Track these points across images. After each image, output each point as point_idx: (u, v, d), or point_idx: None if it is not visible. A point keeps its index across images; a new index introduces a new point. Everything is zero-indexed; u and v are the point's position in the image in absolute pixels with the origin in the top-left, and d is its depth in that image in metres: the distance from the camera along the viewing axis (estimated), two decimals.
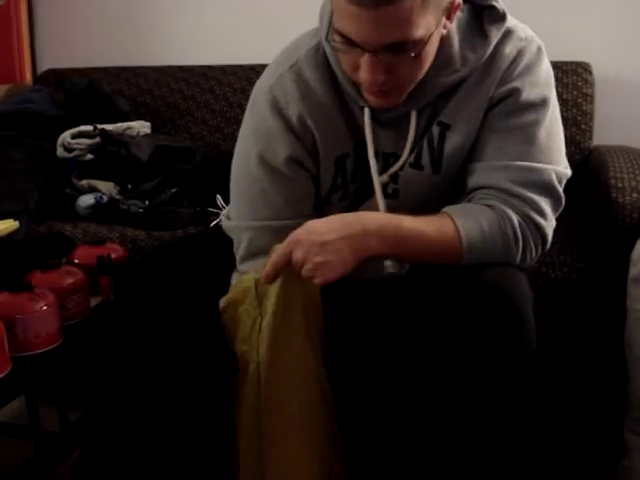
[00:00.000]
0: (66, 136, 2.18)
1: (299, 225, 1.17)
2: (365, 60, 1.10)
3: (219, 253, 1.36)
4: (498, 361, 1.11)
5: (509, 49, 1.23)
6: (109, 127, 2.21)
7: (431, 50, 1.14)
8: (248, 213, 1.31)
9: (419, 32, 1.07)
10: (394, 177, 1.29)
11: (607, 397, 1.58)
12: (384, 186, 1.29)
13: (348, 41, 1.09)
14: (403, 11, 1.03)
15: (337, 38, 1.11)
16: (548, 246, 1.24)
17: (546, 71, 1.26)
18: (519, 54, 1.23)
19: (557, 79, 2.18)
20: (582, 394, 1.64)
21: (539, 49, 1.25)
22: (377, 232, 1.14)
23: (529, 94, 1.22)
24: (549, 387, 1.59)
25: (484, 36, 1.22)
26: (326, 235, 1.12)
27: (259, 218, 1.29)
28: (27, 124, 2.29)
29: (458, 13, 1.19)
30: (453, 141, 1.25)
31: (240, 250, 1.31)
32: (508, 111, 1.23)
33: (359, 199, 1.33)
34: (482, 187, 1.23)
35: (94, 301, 1.54)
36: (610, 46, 2.35)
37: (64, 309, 1.42)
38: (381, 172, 1.28)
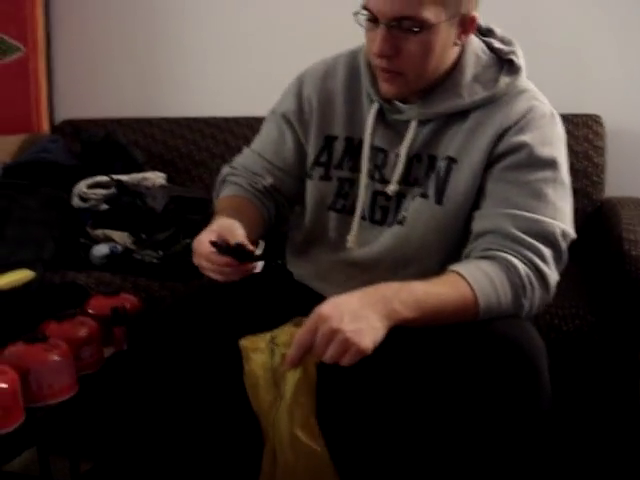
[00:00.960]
0: (82, 186, 2.20)
1: (270, 168, 1.46)
2: (379, 33, 1.23)
3: (233, 304, 1.36)
4: (514, 415, 1.11)
5: (521, 102, 1.30)
6: (125, 178, 2.24)
7: (437, 44, 1.24)
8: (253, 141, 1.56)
9: (427, 14, 1.20)
10: (399, 202, 1.36)
11: (620, 452, 1.56)
12: (395, 213, 1.37)
13: (370, 15, 1.24)
14: None
15: (363, 16, 1.26)
16: (551, 296, 1.25)
17: (558, 135, 1.31)
18: (530, 110, 1.29)
19: (568, 132, 2.20)
20: (595, 448, 1.62)
21: (552, 113, 1.32)
22: (396, 295, 1.14)
23: (540, 152, 1.26)
24: (562, 442, 1.58)
25: (496, 80, 1.32)
26: (352, 304, 1.11)
27: (253, 147, 1.55)
28: (43, 173, 2.31)
29: (480, 54, 1.31)
30: (458, 175, 1.30)
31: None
32: (518, 165, 1.27)
33: (344, 193, 1.42)
34: (487, 232, 1.26)
35: (107, 352, 1.53)
36: (621, 98, 2.37)
37: (78, 360, 1.41)
38: (371, 169, 1.38)
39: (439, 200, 1.32)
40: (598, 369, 1.58)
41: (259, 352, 1.20)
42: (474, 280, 1.18)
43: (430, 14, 1.21)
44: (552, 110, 1.33)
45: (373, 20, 1.25)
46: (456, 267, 1.23)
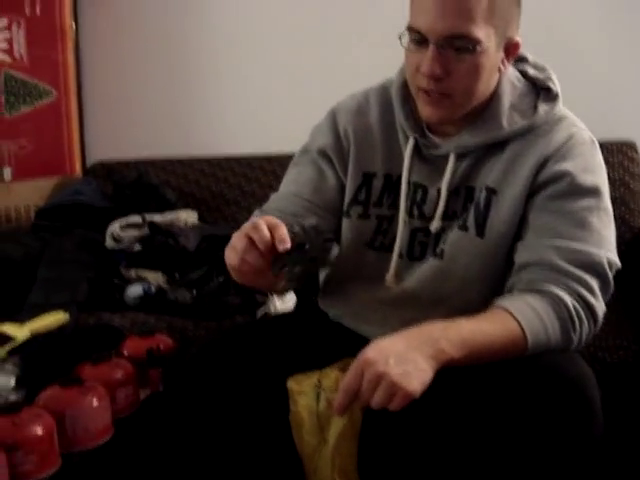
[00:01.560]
0: (115, 227, 2.21)
1: (310, 207, 1.36)
2: (428, 53, 1.20)
3: (268, 345, 1.34)
4: (570, 449, 1.09)
5: (561, 130, 1.28)
6: (157, 218, 2.24)
7: (485, 67, 1.22)
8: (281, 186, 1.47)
9: (479, 32, 1.18)
10: (438, 236, 1.32)
11: None
12: (434, 248, 1.33)
13: (417, 36, 1.22)
14: (468, 6, 1.18)
15: (408, 37, 1.24)
16: (598, 327, 1.22)
17: (599, 163, 1.29)
18: (571, 137, 1.27)
19: (603, 159, 2.18)
20: None
21: (592, 140, 1.30)
22: (442, 335, 1.11)
23: (583, 180, 1.24)
24: (611, 473, 1.53)
25: (534, 108, 1.29)
26: (397, 347, 1.08)
27: (284, 190, 1.44)
28: (77, 215, 2.33)
29: (516, 83, 1.30)
30: (498, 206, 1.28)
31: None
32: (560, 194, 1.24)
33: (383, 230, 1.37)
34: (532, 264, 1.22)
35: (143, 393, 1.52)
36: None
37: (113, 402, 1.40)
38: (409, 206, 1.35)
39: (480, 232, 1.29)
40: None
41: (304, 395, 1.19)
42: (522, 316, 1.15)
43: (482, 34, 1.19)
44: (592, 137, 1.30)
45: (421, 41, 1.22)
46: (502, 302, 1.20)
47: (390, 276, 1.36)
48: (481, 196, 1.29)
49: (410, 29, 1.23)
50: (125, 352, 1.59)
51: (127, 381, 1.45)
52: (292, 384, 1.20)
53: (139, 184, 2.44)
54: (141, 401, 1.50)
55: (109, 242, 2.21)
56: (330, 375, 1.18)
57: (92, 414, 1.32)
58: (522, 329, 1.14)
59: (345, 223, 1.40)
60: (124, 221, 2.22)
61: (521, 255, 1.25)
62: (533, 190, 1.26)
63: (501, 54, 1.26)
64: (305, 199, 1.40)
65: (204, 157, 2.66)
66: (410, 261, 1.36)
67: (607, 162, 2.11)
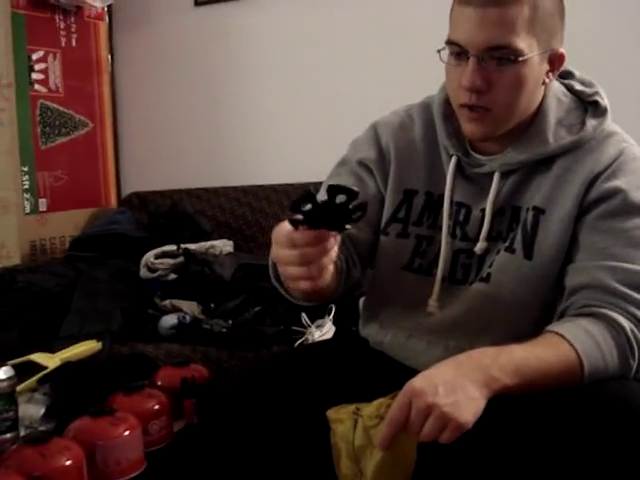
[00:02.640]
0: (149, 256, 2.19)
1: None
2: (469, 66, 1.17)
3: (307, 374, 1.29)
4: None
5: (611, 146, 1.23)
6: (192, 246, 2.22)
7: (528, 79, 1.18)
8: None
9: (521, 43, 1.15)
10: (482, 258, 1.27)
11: None
12: (477, 271, 1.28)
13: (457, 49, 1.19)
14: (508, 16, 1.14)
15: (448, 51, 1.21)
16: None
17: None
18: (621, 153, 1.22)
19: None
20: None
21: None
22: (493, 361, 1.05)
23: (636, 197, 1.19)
24: None
25: (582, 124, 1.25)
26: (446, 375, 1.03)
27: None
28: (112, 245, 2.33)
29: (562, 98, 1.26)
30: (547, 226, 1.22)
31: None
32: (612, 212, 1.19)
33: (422, 251, 1.32)
34: (586, 287, 1.17)
35: (177, 425, 1.48)
36: None
37: (146, 434, 1.37)
38: (452, 226, 1.30)
39: (528, 255, 1.23)
40: None
41: (341, 423, 1.13)
42: (577, 341, 1.09)
43: (524, 44, 1.15)
44: None
45: (460, 54, 1.19)
46: (555, 327, 1.13)
47: (433, 301, 1.31)
48: (528, 216, 1.24)
49: (449, 42, 1.20)
50: (159, 382, 1.57)
51: (160, 412, 1.42)
52: (331, 413, 1.15)
53: (173, 213, 2.44)
54: (175, 433, 1.47)
55: (143, 272, 2.19)
56: (372, 403, 1.12)
57: (123, 446, 1.29)
58: (578, 355, 1.08)
59: (383, 242, 1.35)
60: (159, 250, 2.20)
61: (573, 278, 1.20)
62: (583, 209, 1.21)
63: (545, 66, 1.22)
64: None
65: (239, 186, 2.65)
66: (453, 285, 1.30)
67: None
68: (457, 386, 1.00)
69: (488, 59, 1.16)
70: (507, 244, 1.25)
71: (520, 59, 1.15)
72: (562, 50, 1.23)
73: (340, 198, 0.95)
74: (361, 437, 1.10)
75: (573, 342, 1.09)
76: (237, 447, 1.20)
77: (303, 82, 2.69)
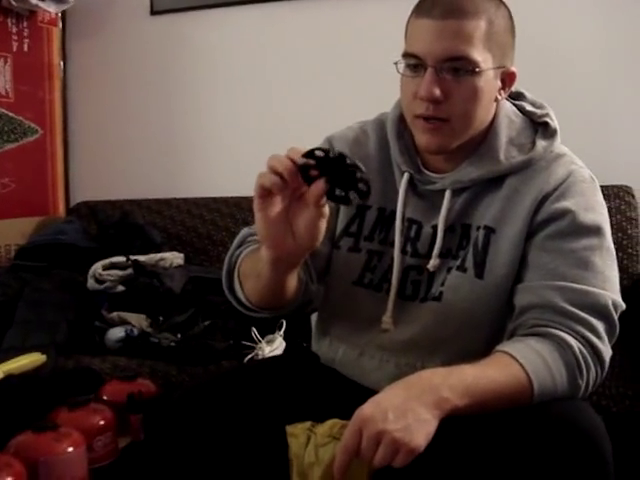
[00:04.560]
0: (97, 267, 2.15)
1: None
2: (426, 76, 1.18)
3: (257, 391, 1.27)
4: None
5: (560, 167, 1.25)
6: (141, 258, 2.19)
7: (484, 91, 1.20)
8: None
9: (478, 55, 1.17)
10: (442, 282, 1.26)
11: None
12: (427, 287, 1.29)
13: (414, 60, 1.20)
14: (466, 29, 1.17)
15: (404, 63, 1.22)
16: (605, 373, 1.17)
17: (600, 201, 1.26)
18: (570, 174, 1.24)
19: None
20: None
21: (592, 178, 1.27)
22: (444, 382, 1.04)
23: (584, 218, 1.20)
24: None
25: (532, 144, 1.27)
26: (394, 400, 1.02)
27: None
28: (59, 255, 2.29)
29: (513, 118, 1.28)
30: (498, 246, 1.23)
31: None
32: (561, 233, 1.20)
33: (372, 266, 1.32)
34: (535, 307, 1.18)
35: (123, 442, 1.45)
36: None
37: (91, 450, 1.34)
38: (403, 242, 1.30)
39: (479, 274, 1.24)
40: None
41: (295, 438, 1.13)
42: (527, 361, 1.10)
43: (480, 57, 1.18)
44: (591, 175, 1.27)
45: (418, 65, 1.20)
46: (505, 347, 1.14)
47: (387, 317, 1.31)
48: (479, 235, 1.25)
49: (406, 55, 1.22)
50: (104, 397, 1.54)
51: (106, 428, 1.39)
52: (289, 428, 1.15)
53: (124, 224, 2.41)
54: (120, 449, 1.44)
55: (91, 283, 2.15)
56: (329, 422, 1.12)
57: (67, 462, 1.26)
58: (528, 375, 1.08)
59: (334, 255, 1.35)
60: (107, 261, 2.17)
61: (522, 297, 1.21)
62: (532, 229, 1.22)
63: (498, 83, 1.24)
64: None
65: (191, 198, 2.63)
66: (402, 301, 1.31)
67: None
68: (407, 410, 1.00)
69: (445, 70, 1.18)
70: (459, 263, 1.26)
71: (477, 70, 1.17)
72: (513, 69, 1.25)
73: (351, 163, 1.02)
74: (311, 454, 1.10)
75: (523, 362, 1.09)
76: (184, 464, 1.18)
77: (257, 95, 2.69)
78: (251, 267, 1.22)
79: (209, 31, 2.73)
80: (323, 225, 1.08)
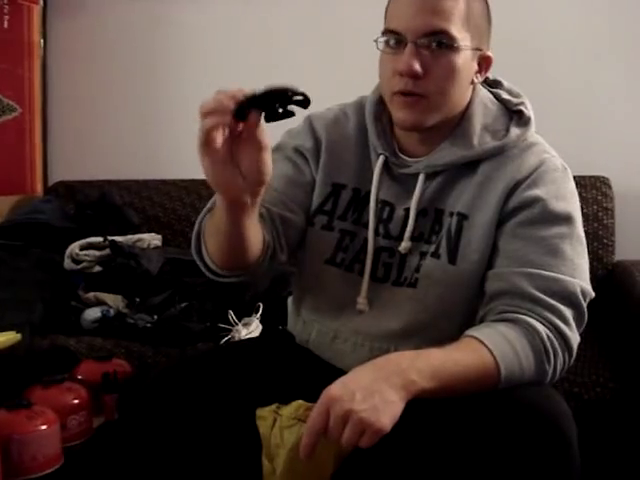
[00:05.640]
0: (74, 247, 2.14)
1: (282, 200, 1.31)
2: (406, 51, 1.19)
3: (231, 372, 1.28)
4: None
5: (532, 156, 1.26)
6: (119, 239, 2.18)
7: (462, 69, 1.21)
8: None
9: (456, 32, 1.19)
10: (417, 268, 1.28)
11: None
12: (399, 270, 1.30)
13: (394, 37, 1.21)
14: (446, 6, 1.19)
15: (384, 39, 1.23)
16: (573, 359, 1.18)
17: (571, 190, 1.27)
18: (542, 163, 1.25)
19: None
20: None
21: (564, 167, 1.27)
22: (411, 365, 1.05)
23: (555, 207, 1.21)
24: None
25: (506, 131, 1.27)
26: (362, 381, 1.02)
27: None
28: (35, 234, 2.26)
29: (489, 104, 1.29)
30: (470, 232, 1.24)
31: None
32: (532, 220, 1.21)
33: (345, 246, 1.33)
34: (504, 293, 1.19)
35: (97, 421, 1.45)
36: (627, 160, 2.36)
37: (64, 429, 1.34)
38: (376, 223, 1.31)
39: (452, 260, 1.25)
40: (622, 439, 1.49)
41: (263, 420, 1.14)
42: (494, 346, 1.11)
43: (459, 35, 1.20)
44: (564, 164, 1.28)
45: (398, 41, 1.21)
46: (473, 332, 1.15)
47: (362, 298, 1.31)
48: (452, 222, 1.26)
49: (386, 32, 1.23)
50: (79, 376, 1.53)
51: (80, 407, 1.39)
52: (258, 410, 1.15)
53: (102, 204, 2.39)
54: (94, 429, 1.43)
55: (67, 263, 2.14)
56: (292, 404, 1.13)
57: (40, 440, 1.26)
58: (495, 360, 1.09)
59: (309, 233, 1.36)
60: (84, 241, 2.15)
61: (492, 284, 1.22)
62: (504, 216, 1.23)
63: (475, 65, 1.25)
64: (279, 192, 1.34)
65: (170, 179, 2.61)
66: (374, 282, 1.31)
67: (581, 197, 2.09)
68: (374, 391, 1.00)
69: (425, 46, 1.19)
70: (433, 249, 1.27)
71: (455, 45, 1.19)
72: (490, 53, 1.27)
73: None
74: (277, 436, 1.11)
75: (491, 347, 1.10)
76: (158, 444, 1.18)
77: (238, 77, 2.65)
78: (212, 223, 1.22)
79: (191, 12, 2.70)
80: (267, 157, 1.09)
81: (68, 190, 2.61)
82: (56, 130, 2.86)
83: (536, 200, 1.21)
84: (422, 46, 1.19)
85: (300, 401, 1.13)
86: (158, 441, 1.18)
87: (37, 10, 2.76)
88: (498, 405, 1.07)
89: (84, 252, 2.13)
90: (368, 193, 1.33)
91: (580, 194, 2.10)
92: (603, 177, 2.24)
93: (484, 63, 1.27)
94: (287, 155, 1.38)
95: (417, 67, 1.19)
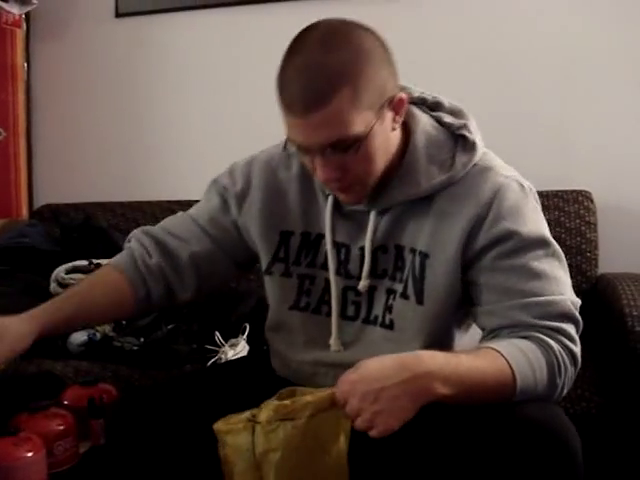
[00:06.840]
0: (60, 271, 2.13)
1: (201, 235, 1.41)
2: (317, 161, 1.16)
3: (218, 393, 1.29)
4: None
5: (487, 184, 1.23)
6: (105, 262, 2.16)
7: (378, 143, 1.17)
8: None
9: (356, 129, 1.12)
10: (389, 307, 1.28)
11: None
12: (368, 307, 1.30)
13: (299, 146, 1.18)
14: (333, 113, 1.10)
15: (292, 145, 1.22)
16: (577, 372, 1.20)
17: (533, 208, 1.25)
18: (498, 190, 1.22)
19: (559, 208, 2.18)
20: None
21: (521, 186, 1.25)
22: (439, 371, 1.06)
23: (527, 234, 1.21)
24: None
25: (452, 159, 1.24)
26: (381, 381, 1.04)
27: (189, 211, 1.51)
28: (21, 259, 2.25)
29: (432, 132, 1.25)
30: (433, 270, 1.23)
31: None
32: (508, 253, 1.21)
33: (306, 290, 1.35)
34: (504, 327, 1.20)
35: (83, 446, 1.44)
36: (609, 174, 2.37)
37: (51, 455, 1.32)
38: (337, 264, 1.31)
39: (420, 300, 1.25)
40: (608, 453, 1.50)
41: (235, 434, 1.12)
42: (511, 357, 1.11)
43: (360, 127, 1.13)
44: (520, 182, 1.25)
45: (307, 150, 1.18)
46: (490, 344, 1.16)
47: (334, 339, 1.32)
48: (415, 261, 1.25)
49: (291, 140, 1.20)
50: (65, 401, 1.51)
51: (66, 433, 1.37)
52: (220, 426, 1.13)
53: (87, 227, 2.39)
54: (81, 454, 1.42)
55: (53, 287, 2.12)
56: (267, 406, 1.11)
57: (26, 467, 1.23)
58: (512, 370, 1.10)
59: (268, 282, 1.38)
60: (70, 265, 2.14)
61: (488, 320, 1.22)
62: (473, 254, 1.22)
63: (388, 116, 1.18)
64: (200, 225, 1.43)
65: (155, 201, 2.61)
66: (345, 321, 1.32)
67: (563, 211, 2.16)
68: (390, 396, 1.03)
69: (333, 153, 1.15)
70: (401, 290, 1.27)
71: (362, 136, 1.13)
72: (400, 94, 1.19)
73: None
74: (262, 443, 1.09)
75: (508, 358, 1.11)
76: (145, 469, 1.18)
77: (224, 98, 2.68)
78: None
79: (174, 34, 2.72)
80: None
81: (53, 213, 2.60)
82: (41, 153, 2.87)
83: (507, 234, 1.20)
84: (331, 154, 1.15)
85: (271, 402, 1.12)
86: (145, 465, 1.18)
87: (20, 34, 2.78)
88: (506, 422, 1.07)
89: (69, 276, 2.12)
90: (319, 235, 1.33)
91: (562, 208, 2.17)
92: (585, 191, 2.24)
93: (397, 106, 1.19)
94: (218, 189, 1.45)
95: (335, 174, 1.17)
